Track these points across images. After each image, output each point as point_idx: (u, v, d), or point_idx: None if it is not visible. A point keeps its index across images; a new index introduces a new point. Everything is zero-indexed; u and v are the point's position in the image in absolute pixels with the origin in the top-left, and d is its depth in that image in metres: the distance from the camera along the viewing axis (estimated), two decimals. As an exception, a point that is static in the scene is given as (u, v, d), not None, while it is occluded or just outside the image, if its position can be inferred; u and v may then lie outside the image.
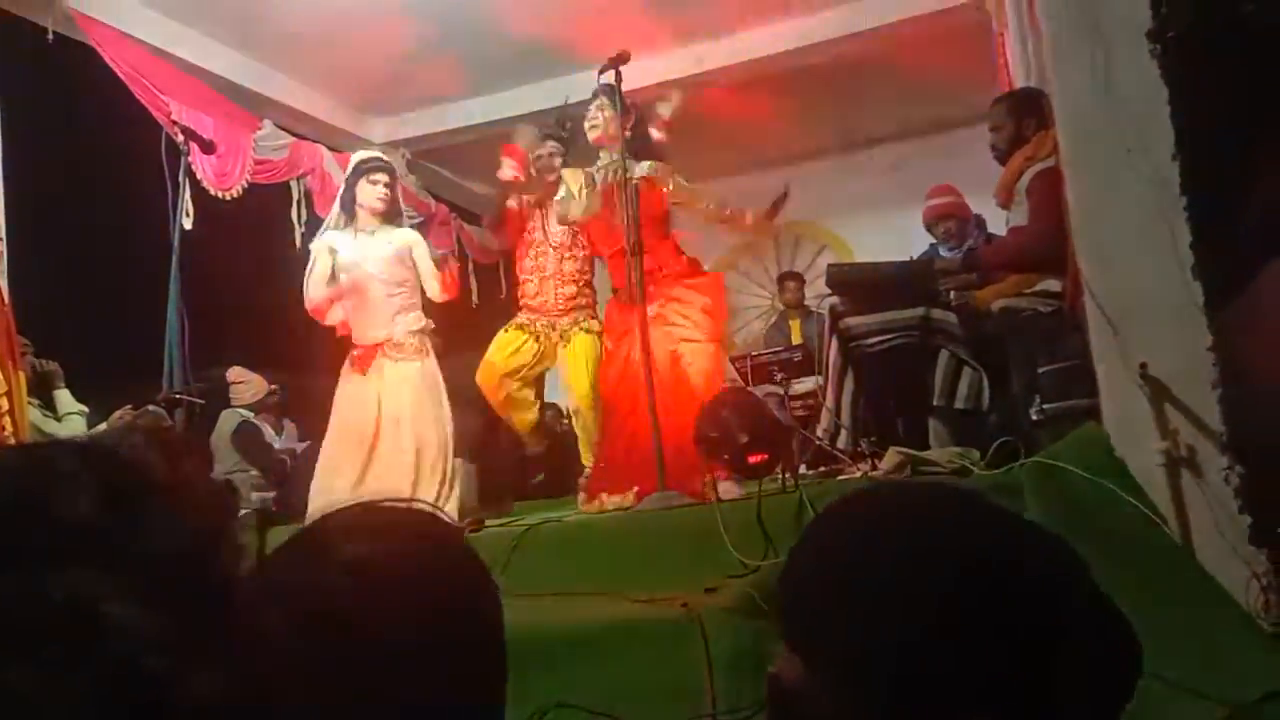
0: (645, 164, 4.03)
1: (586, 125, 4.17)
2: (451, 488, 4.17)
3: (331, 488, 4.06)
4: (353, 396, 4.15)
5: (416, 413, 4.12)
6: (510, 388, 4.57)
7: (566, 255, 4.60)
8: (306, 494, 4.36)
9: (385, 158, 4.47)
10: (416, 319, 4.25)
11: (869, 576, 0.74)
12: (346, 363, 4.22)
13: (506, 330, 4.64)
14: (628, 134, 3.96)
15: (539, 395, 4.85)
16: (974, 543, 0.74)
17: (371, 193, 4.20)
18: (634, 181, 3.87)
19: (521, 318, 4.63)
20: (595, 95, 4.12)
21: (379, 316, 4.18)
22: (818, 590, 0.78)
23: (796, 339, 6.54)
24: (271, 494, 5.76)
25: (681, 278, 3.99)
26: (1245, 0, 2.50)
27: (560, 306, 4.58)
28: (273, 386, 6.09)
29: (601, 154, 4.16)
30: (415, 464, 4.07)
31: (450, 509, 4.10)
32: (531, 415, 4.71)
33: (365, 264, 4.17)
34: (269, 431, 6.12)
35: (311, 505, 4.14)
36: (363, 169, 4.26)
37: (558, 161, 4.57)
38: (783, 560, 2.34)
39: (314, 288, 4.18)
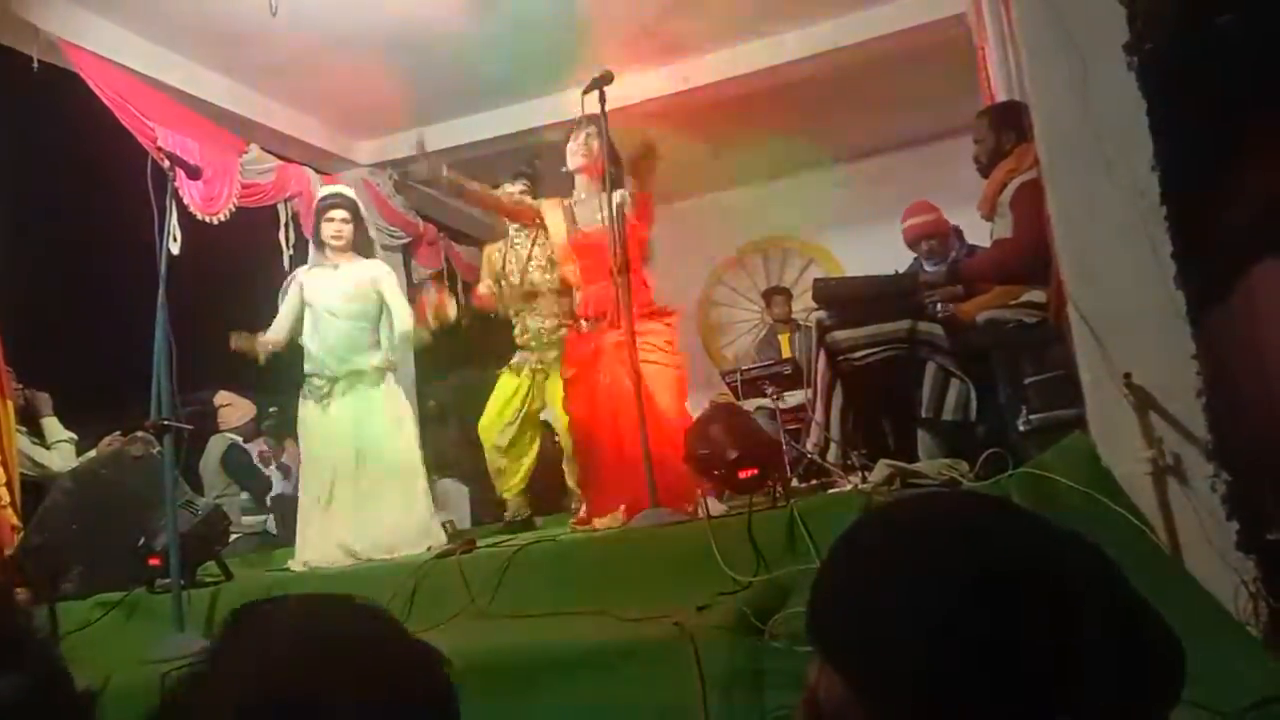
0: (619, 194, 4.00)
1: (574, 152, 4.12)
2: (425, 509, 4.20)
3: (309, 520, 4.12)
4: (317, 430, 4.21)
5: (388, 440, 4.15)
6: (500, 462, 4.67)
7: (543, 291, 4.63)
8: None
9: (346, 193, 4.55)
10: (379, 355, 4.33)
11: (903, 591, 0.73)
12: (304, 393, 4.29)
13: (501, 374, 4.70)
14: (610, 168, 3.91)
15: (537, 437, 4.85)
16: (1010, 556, 0.73)
17: (328, 230, 4.34)
18: (621, 207, 3.86)
19: (516, 358, 4.71)
20: (585, 124, 4.08)
21: (339, 350, 4.25)
22: (852, 606, 0.76)
23: (786, 353, 6.56)
24: (263, 517, 5.76)
25: (644, 315, 3.99)
26: (1220, 12, 2.53)
27: (544, 340, 4.63)
28: (271, 409, 6.10)
29: (577, 181, 4.16)
30: (403, 491, 4.12)
31: (424, 528, 4.13)
32: (516, 483, 4.74)
33: (326, 298, 4.28)
34: (262, 452, 6.13)
35: (299, 538, 4.18)
36: (321, 206, 4.41)
37: (529, 199, 4.62)
38: (775, 575, 2.35)
39: (277, 323, 4.33)
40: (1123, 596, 0.74)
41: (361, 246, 4.45)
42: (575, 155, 4.11)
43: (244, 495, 5.82)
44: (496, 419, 4.66)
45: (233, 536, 4.75)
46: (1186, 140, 2.49)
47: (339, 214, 4.35)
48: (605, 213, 3.80)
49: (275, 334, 4.31)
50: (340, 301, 4.29)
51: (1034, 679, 0.69)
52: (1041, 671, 0.69)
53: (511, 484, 4.73)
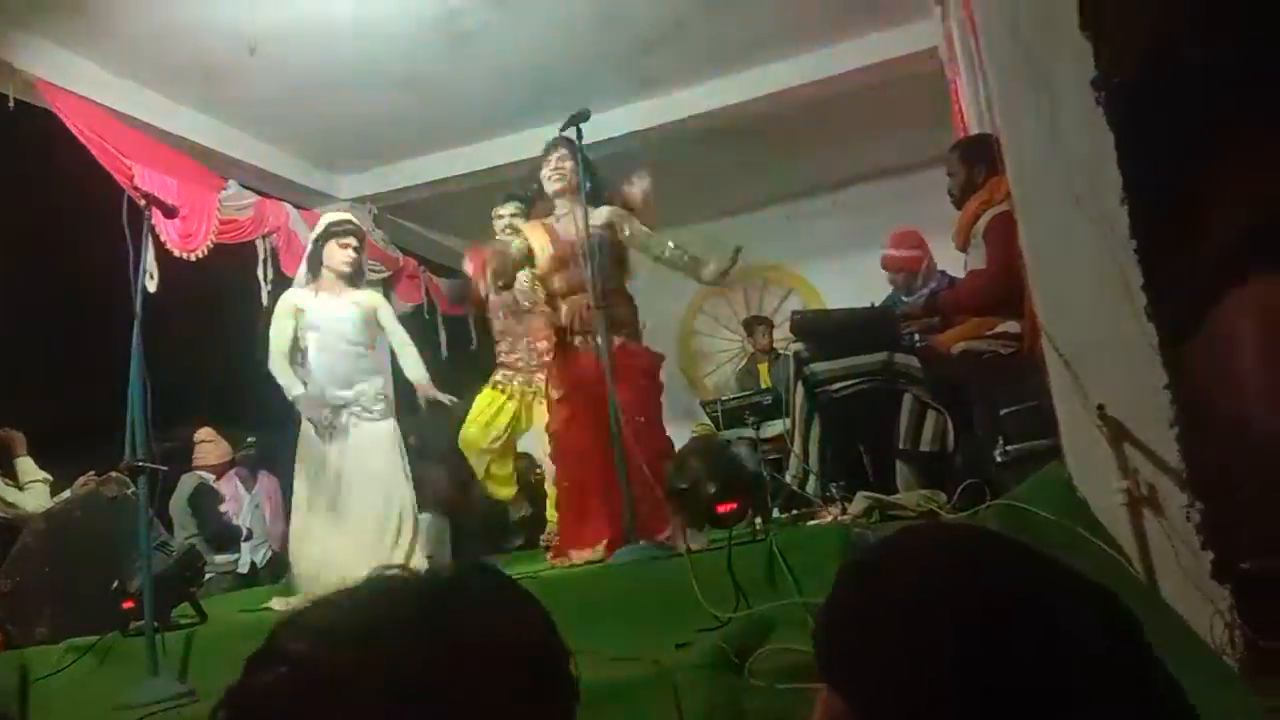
0: (604, 209, 4.04)
1: (548, 176, 4.13)
2: (416, 546, 4.18)
3: (310, 555, 4.06)
4: (320, 458, 4.13)
5: (387, 473, 4.12)
6: (489, 461, 4.60)
7: (537, 312, 4.61)
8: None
9: (355, 220, 4.47)
10: (384, 382, 4.28)
11: (908, 615, 0.75)
12: (307, 422, 4.19)
13: (485, 390, 4.66)
14: (587, 185, 3.93)
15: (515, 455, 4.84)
16: (1013, 587, 0.75)
17: (340, 256, 4.24)
18: (598, 231, 3.88)
19: (498, 375, 4.67)
20: (554, 147, 4.11)
21: (346, 378, 4.18)
22: (857, 628, 0.78)
23: (766, 382, 6.58)
24: (234, 556, 5.72)
25: (628, 340, 3.98)
26: (1184, 48, 2.57)
27: (535, 363, 4.61)
28: (249, 439, 6.07)
29: (558, 204, 4.15)
30: (394, 525, 4.09)
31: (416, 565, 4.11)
32: (509, 488, 4.71)
33: (334, 324, 4.19)
34: (237, 489, 6.09)
35: (296, 569, 4.12)
36: (333, 231, 4.29)
37: (520, 222, 4.62)
38: (754, 612, 2.33)
39: (277, 352, 4.16)
40: (1125, 637, 0.76)
41: (358, 277, 4.42)
42: (551, 180, 4.13)
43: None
44: (484, 429, 4.60)
45: (208, 576, 4.70)
46: (1155, 173, 2.52)
47: (352, 241, 4.28)
48: (580, 224, 3.80)
49: (292, 382, 4.18)
50: (350, 328, 4.21)
51: (1034, 710, 0.70)
52: (1034, 701, 0.70)
53: (505, 491, 4.70)
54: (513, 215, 4.67)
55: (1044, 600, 0.74)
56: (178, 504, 5.64)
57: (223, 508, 5.80)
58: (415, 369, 4.27)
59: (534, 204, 4.63)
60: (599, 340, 3.60)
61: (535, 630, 0.84)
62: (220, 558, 5.61)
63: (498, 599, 0.83)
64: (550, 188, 4.14)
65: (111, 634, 3.43)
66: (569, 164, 4.03)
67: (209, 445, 6.01)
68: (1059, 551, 2.15)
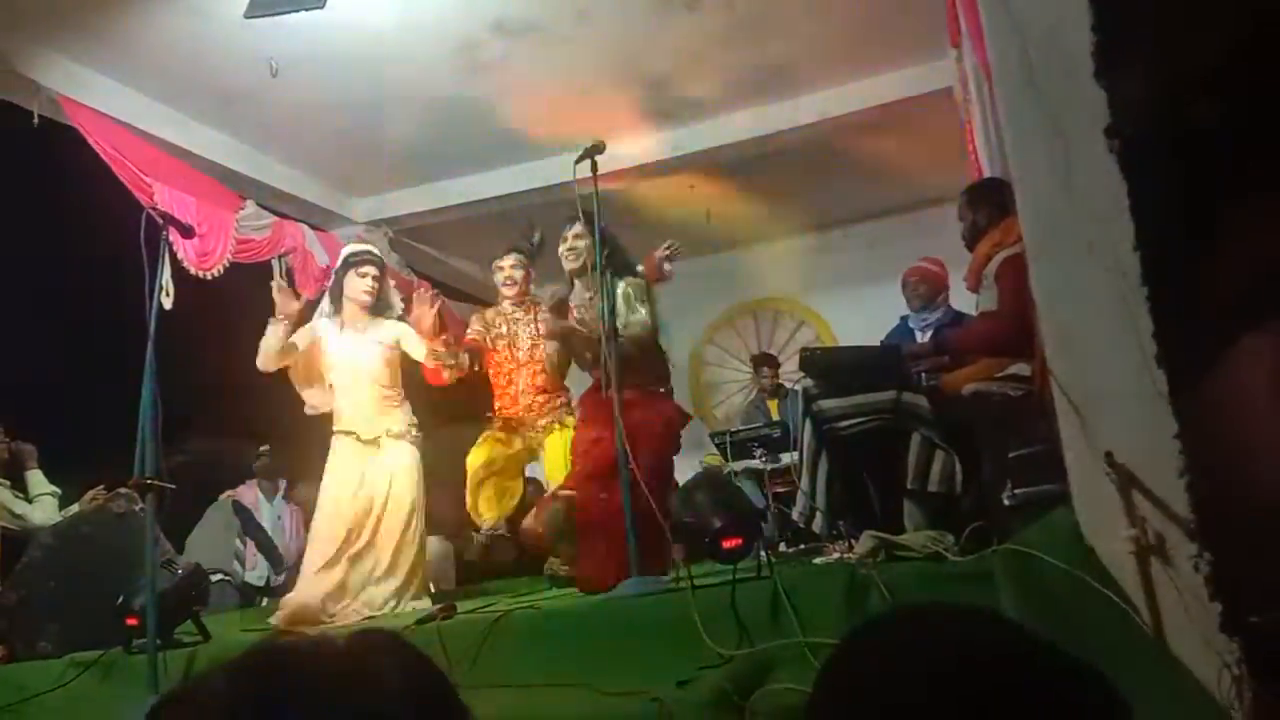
0: (623, 284, 3.83)
1: (563, 254, 4.03)
2: (423, 573, 4.24)
3: (314, 569, 4.10)
4: (344, 481, 4.19)
5: (412, 497, 4.23)
6: (483, 487, 4.58)
7: (537, 370, 4.59)
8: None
9: (375, 250, 4.56)
10: (406, 415, 4.38)
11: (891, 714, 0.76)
12: (334, 445, 4.27)
13: (481, 443, 4.63)
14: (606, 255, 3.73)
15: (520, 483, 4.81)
16: (999, 680, 0.76)
17: (358, 285, 4.32)
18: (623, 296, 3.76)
19: (497, 425, 4.63)
20: (569, 224, 3.98)
21: (371, 413, 4.29)
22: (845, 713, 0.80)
23: (774, 415, 6.57)
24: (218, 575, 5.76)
25: (653, 403, 3.87)
26: (1200, 97, 2.58)
27: (535, 414, 4.60)
28: (262, 448, 6.15)
29: (577, 284, 4.02)
30: (412, 546, 4.13)
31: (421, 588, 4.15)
32: (494, 510, 4.62)
33: (357, 363, 4.28)
34: (257, 498, 6.18)
35: (301, 580, 4.14)
36: (351, 261, 4.38)
37: (519, 274, 4.62)
38: (757, 650, 2.32)
39: (266, 351, 4.22)
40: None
41: (382, 307, 4.47)
42: (566, 259, 4.03)
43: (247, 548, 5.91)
44: (471, 473, 4.61)
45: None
46: (1168, 221, 2.53)
47: (372, 270, 4.36)
48: (589, 314, 3.79)
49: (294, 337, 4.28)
50: (375, 368, 4.31)
51: None
52: None
53: (490, 512, 4.63)
54: (513, 266, 4.67)
55: (1035, 702, 0.74)
56: (210, 526, 5.73)
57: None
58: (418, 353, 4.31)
59: (535, 257, 4.66)
60: (618, 414, 3.45)
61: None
62: (239, 572, 5.72)
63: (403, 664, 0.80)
64: (566, 267, 4.03)
65: (114, 651, 3.43)
66: (584, 242, 3.90)
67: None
68: (1065, 600, 2.13)
